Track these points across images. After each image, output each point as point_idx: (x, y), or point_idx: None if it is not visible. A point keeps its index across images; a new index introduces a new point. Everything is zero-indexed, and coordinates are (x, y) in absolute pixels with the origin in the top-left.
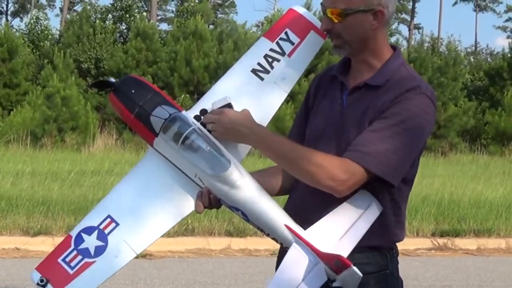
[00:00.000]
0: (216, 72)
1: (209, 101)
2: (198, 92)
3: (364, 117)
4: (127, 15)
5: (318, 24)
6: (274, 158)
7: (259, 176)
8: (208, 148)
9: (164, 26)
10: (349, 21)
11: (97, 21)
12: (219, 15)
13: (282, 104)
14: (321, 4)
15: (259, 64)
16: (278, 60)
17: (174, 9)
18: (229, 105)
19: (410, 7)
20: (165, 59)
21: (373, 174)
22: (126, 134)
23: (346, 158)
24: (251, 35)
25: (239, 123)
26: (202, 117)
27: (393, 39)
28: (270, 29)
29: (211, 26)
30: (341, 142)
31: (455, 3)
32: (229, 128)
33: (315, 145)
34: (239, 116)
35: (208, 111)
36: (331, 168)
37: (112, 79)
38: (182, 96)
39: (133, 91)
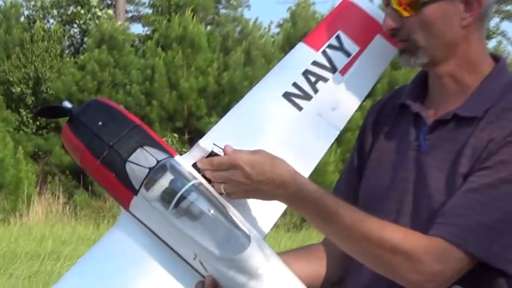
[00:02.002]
0: (219, 99)
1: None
2: (190, 130)
3: (455, 167)
4: (83, 12)
5: None
6: (322, 229)
7: (292, 259)
8: (215, 214)
9: (137, 29)
10: (428, 14)
11: (38, 21)
12: (221, 11)
13: None
14: None
15: (295, 85)
16: (326, 80)
17: (150, 2)
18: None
19: None
20: (136, 80)
21: (478, 260)
22: (80, 196)
23: (435, 237)
24: (271, 42)
25: (265, 178)
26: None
27: (491, 44)
28: (313, 31)
29: (209, 28)
30: (419, 208)
31: None
32: (251, 190)
33: (376, 214)
34: (261, 165)
35: (199, 164)
36: (415, 253)
37: (68, 104)
38: (169, 137)
39: (100, 123)
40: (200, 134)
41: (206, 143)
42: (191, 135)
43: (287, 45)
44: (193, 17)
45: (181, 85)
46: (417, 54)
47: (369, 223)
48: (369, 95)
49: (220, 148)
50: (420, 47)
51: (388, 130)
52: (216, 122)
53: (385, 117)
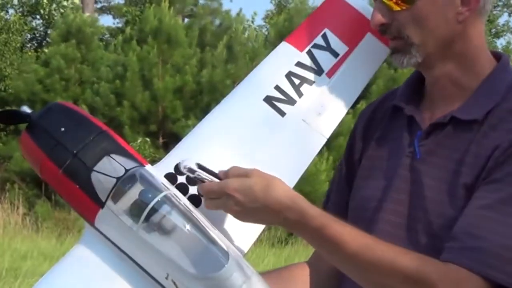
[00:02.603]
0: (196, 100)
1: (190, 151)
2: (165, 134)
3: (456, 177)
4: (46, 2)
5: None
6: (327, 257)
7: (275, 279)
8: (190, 229)
9: (106, 20)
10: (421, 8)
11: None
12: (200, 1)
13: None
14: None
15: (277, 88)
16: (311, 82)
17: None
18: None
19: None
20: (106, 77)
21: (496, 284)
22: (42, 206)
23: (451, 264)
24: (257, 36)
25: (259, 205)
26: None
27: (500, 43)
28: (297, 29)
29: (186, 21)
30: (414, 220)
31: None
32: (248, 216)
33: (369, 228)
34: (254, 191)
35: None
36: (431, 283)
37: (27, 109)
38: (139, 140)
39: (62, 129)
40: (176, 138)
41: (190, 163)
42: (166, 139)
43: (279, 42)
44: (169, 8)
45: (155, 84)
46: (411, 53)
47: (379, 250)
48: (364, 97)
49: (205, 171)
50: (413, 44)
51: (380, 135)
52: (194, 125)
53: (377, 121)
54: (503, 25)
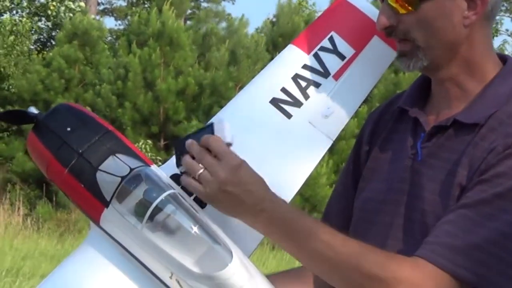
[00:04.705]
0: (199, 102)
1: None
2: (167, 136)
3: (451, 178)
4: (54, 4)
5: None
6: (296, 254)
7: (282, 281)
8: (194, 228)
9: (110, 22)
10: (427, 11)
11: (6, 15)
12: (203, 4)
13: None
14: None
15: (284, 90)
16: (317, 85)
17: None
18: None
19: None
20: (107, 79)
21: (466, 284)
22: (43, 207)
23: (420, 259)
24: (259, 40)
25: (248, 187)
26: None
27: (498, 43)
28: (303, 32)
29: (187, 23)
30: (411, 222)
31: None
32: (228, 193)
33: (369, 229)
34: (251, 174)
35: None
36: (396, 278)
37: (34, 110)
38: (141, 142)
39: (68, 129)
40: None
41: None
42: (168, 141)
43: (270, 43)
44: (172, 12)
45: (158, 86)
46: (417, 56)
47: (348, 245)
48: (365, 101)
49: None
50: (419, 47)
51: (385, 137)
52: (196, 127)
53: (384, 124)
54: (496, 23)
